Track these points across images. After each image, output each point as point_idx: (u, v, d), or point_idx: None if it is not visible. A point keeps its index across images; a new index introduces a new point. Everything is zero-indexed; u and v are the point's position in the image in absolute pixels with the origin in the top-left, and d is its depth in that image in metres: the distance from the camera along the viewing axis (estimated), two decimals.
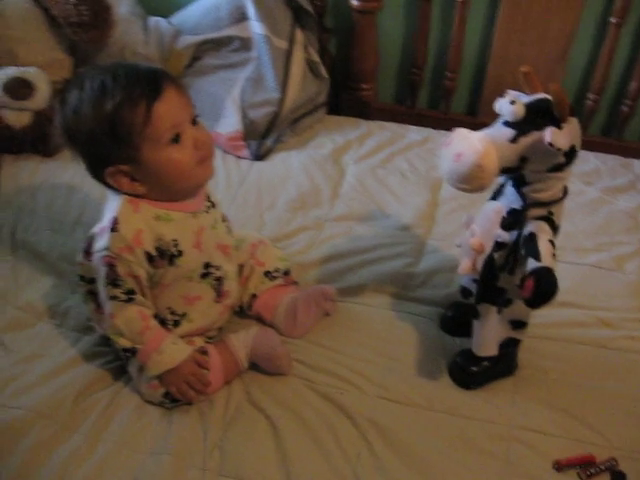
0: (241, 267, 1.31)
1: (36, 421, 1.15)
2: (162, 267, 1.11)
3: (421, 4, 1.81)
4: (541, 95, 0.99)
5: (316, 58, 1.85)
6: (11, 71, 1.68)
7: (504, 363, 1.23)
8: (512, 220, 1.06)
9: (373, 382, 1.22)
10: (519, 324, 1.18)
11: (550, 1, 1.71)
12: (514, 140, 0.97)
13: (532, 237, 1.02)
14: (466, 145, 0.95)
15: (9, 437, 1.13)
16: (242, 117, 1.72)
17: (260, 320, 1.32)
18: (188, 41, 1.82)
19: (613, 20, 1.71)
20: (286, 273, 1.35)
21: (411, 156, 1.76)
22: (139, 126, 1.01)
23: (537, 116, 0.97)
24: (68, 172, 1.66)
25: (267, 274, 1.32)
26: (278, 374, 1.22)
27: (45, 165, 1.71)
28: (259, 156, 1.74)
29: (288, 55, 1.77)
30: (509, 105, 0.97)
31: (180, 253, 1.11)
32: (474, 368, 1.21)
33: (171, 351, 1.15)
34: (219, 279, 1.20)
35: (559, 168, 1.00)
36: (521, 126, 0.97)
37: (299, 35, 1.81)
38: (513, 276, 1.09)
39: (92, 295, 1.19)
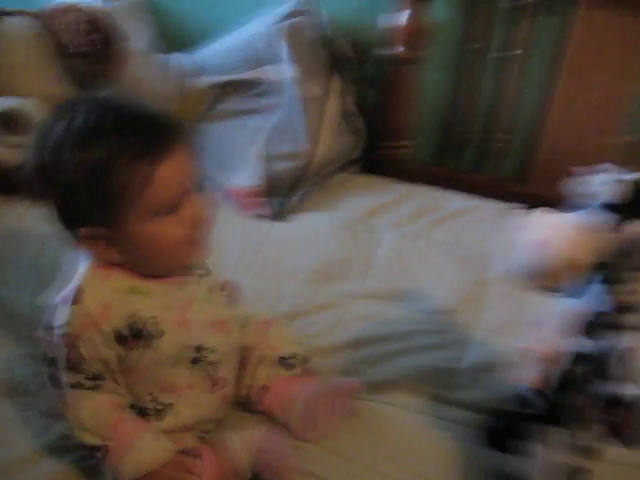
0: (249, 352, 1.11)
1: None
2: (136, 348, 0.93)
3: (472, 55, 1.68)
4: None
5: (353, 109, 1.72)
6: (8, 102, 1.55)
7: None
8: (600, 327, 0.85)
9: None
10: (589, 452, 0.94)
11: (619, 62, 1.56)
12: (616, 229, 0.79)
13: (629, 354, 0.82)
14: (553, 232, 0.83)
15: None
16: (265, 170, 1.58)
17: (268, 416, 1.10)
18: (211, 81, 1.71)
19: None
20: (305, 361, 1.14)
21: (455, 227, 1.57)
22: (135, 189, 0.84)
23: None
24: None
25: (282, 361, 1.12)
26: None
27: (37, 210, 1.50)
28: (281, 215, 1.57)
29: (322, 103, 1.64)
30: (612, 184, 0.78)
31: (160, 333, 0.93)
32: None
33: (151, 449, 0.94)
34: (213, 364, 1.01)
35: None
36: (626, 211, 0.79)
37: (335, 82, 1.68)
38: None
39: (56, 379, 0.98)
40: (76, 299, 0.90)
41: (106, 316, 0.90)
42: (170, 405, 0.99)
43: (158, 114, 0.89)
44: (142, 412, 0.98)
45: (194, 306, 0.97)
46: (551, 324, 0.91)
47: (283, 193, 1.57)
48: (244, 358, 1.10)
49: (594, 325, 0.85)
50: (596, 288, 0.86)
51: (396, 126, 1.77)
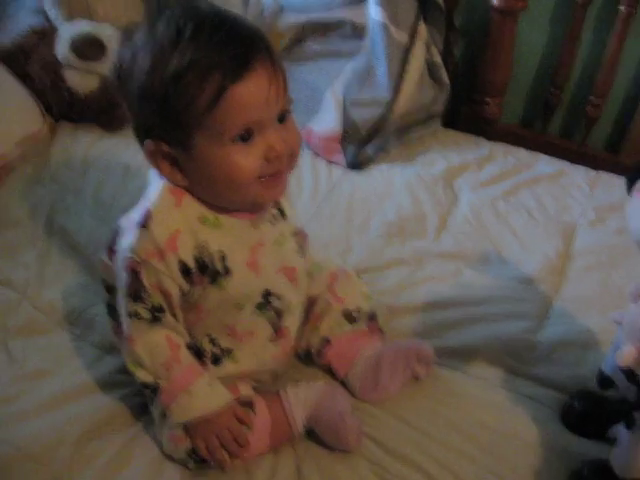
0: (313, 301, 1.04)
1: (24, 464, 0.92)
2: (201, 285, 0.86)
3: (573, 11, 1.53)
4: None
5: (438, 59, 1.61)
6: (83, 27, 1.49)
7: None
8: None
9: None
10: None
11: None
12: None
13: None
14: None
15: None
16: (343, 116, 1.48)
17: (329, 372, 1.04)
18: (292, 20, 1.61)
19: None
20: (371, 317, 1.06)
21: (540, 192, 1.45)
22: (203, 105, 0.76)
23: None
24: (128, 152, 1.43)
25: (347, 314, 1.04)
26: (341, 450, 0.95)
27: (105, 140, 1.51)
28: (355, 164, 1.48)
29: (407, 50, 1.52)
30: None
31: (227, 271, 0.86)
32: None
33: (204, 395, 0.90)
34: (279, 312, 0.94)
35: None
36: None
37: (423, 30, 1.57)
38: None
39: (112, 308, 0.93)
40: (144, 223, 0.83)
41: (173, 244, 0.82)
42: (229, 350, 0.94)
43: (246, 28, 0.79)
44: (199, 354, 0.93)
45: (266, 248, 0.90)
46: None
47: (360, 142, 1.48)
48: (307, 308, 1.04)
49: None
50: None
51: (484, 81, 1.65)
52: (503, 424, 1.00)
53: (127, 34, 0.82)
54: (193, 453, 0.91)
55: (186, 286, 0.85)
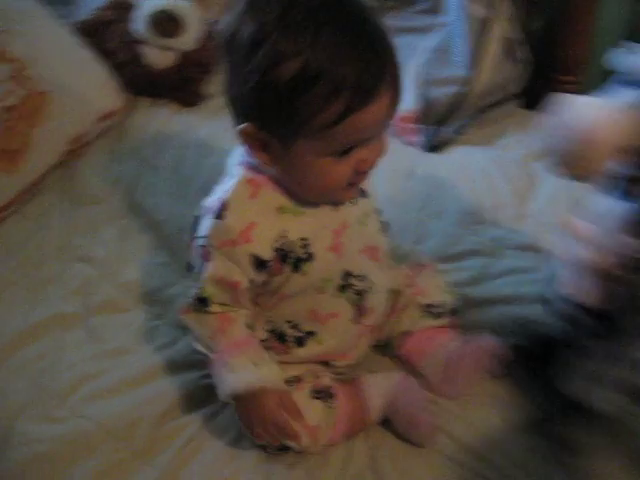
0: (396, 294, 1.04)
1: (105, 441, 0.95)
2: (281, 274, 0.86)
3: None
4: None
5: (520, 36, 1.56)
6: (160, 2, 1.49)
7: None
8: None
9: None
10: None
11: None
12: None
13: None
14: (575, 114, 0.80)
15: (68, 455, 0.93)
16: (422, 95, 1.45)
17: (406, 364, 1.05)
18: None
19: None
20: (453, 312, 1.06)
21: None
22: (318, 124, 0.74)
23: None
24: (205, 128, 1.45)
25: (429, 308, 1.04)
26: (415, 443, 0.95)
27: (182, 116, 1.51)
28: (433, 146, 1.46)
29: (486, 26, 1.49)
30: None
31: (310, 257, 0.86)
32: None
33: (244, 371, 0.87)
34: (361, 293, 0.93)
35: None
36: None
37: (504, 5, 1.52)
38: None
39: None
40: (219, 213, 0.84)
41: (246, 237, 0.83)
42: (312, 333, 0.94)
43: (379, 30, 0.76)
44: (281, 338, 0.93)
45: (349, 229, 0.90)
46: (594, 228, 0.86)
47: (438, 122, 1.45)
48: (391, 300, 1.03)
49: None
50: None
51: (565, 58, 1.60)
52: None
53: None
54: None
55: (258, 278, 0.85)
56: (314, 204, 0.86)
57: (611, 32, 1.60)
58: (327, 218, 0.88)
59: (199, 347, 0.91)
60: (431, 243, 1.23)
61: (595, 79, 1.66)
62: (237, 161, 0.87)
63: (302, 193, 0.84)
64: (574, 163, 0.81)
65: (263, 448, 0.93)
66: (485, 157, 1.42)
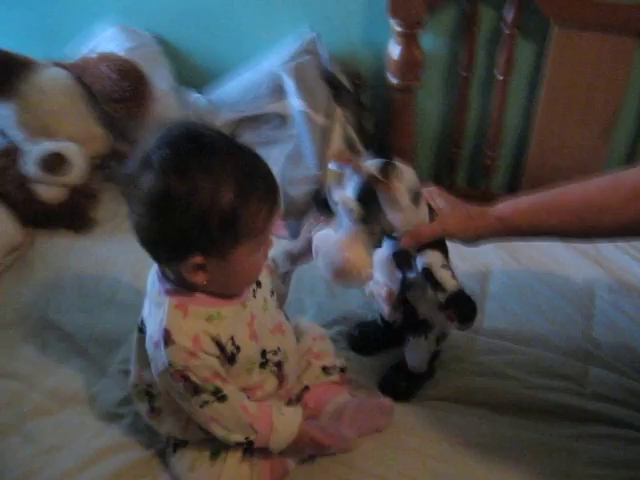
0: (300, 359, 1.25)
1: None
2: (223, 366, 1.03)
3: (459, 82, 1.77)
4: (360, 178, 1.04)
5: (353, 135, 1.81)
6: (47, 146, 1.64)
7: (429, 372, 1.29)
8: (402, 260, 1.12)
9: None
10: (442, 337, 1.24)
11: (593, 78, 1.66)
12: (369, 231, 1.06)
13: (426, 272, 1.06)
14: (326, 249, 1.06)
15: None
16: (282, 195, 1.66)
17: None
18: (227, 117, 1.78)
19: None
20: (342, 370, 1.29)
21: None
22: (258, 228, 0.94)
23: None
24: (101, 249, 1.62)
25: (325, 369, 1.26)
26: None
27: (79, 241, 1.66)
28: (297, 235, 1.65)
29: (327, 132, 1.73)
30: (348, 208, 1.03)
31: (238, 349, 1.03)
32: (406, 384, 1.28)
33: (285, 424, 1.08)
34: (278, 363, 1.13)
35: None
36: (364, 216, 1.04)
37: (338, 112, 1.77)
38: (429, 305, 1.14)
39: (148, 396, 1.13)
40: (167, 341, 0.96)
41: (198, 345, 0.97)
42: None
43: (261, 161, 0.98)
44: None
45: (257, 319, 1.06)
46: (378, 269, 1.14)
47: (299, 215, 1.66)
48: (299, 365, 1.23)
49: (399, 260, 1.12)
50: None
51: (395, 149, 1.73)
52: None
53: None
54: None
55: (222, 365, 1.01)
56: (229, 304, 1.01)
57: (431, 123, 1.88)
58: (241, 315, 1.03)
59: (235, 439, 1.05)
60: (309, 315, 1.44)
61: (424, 162, 1.94)
62: (156, 289, 1.01)
63: (231, 290, 1.01)
64: (339, 280, 1.07)
65: None
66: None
